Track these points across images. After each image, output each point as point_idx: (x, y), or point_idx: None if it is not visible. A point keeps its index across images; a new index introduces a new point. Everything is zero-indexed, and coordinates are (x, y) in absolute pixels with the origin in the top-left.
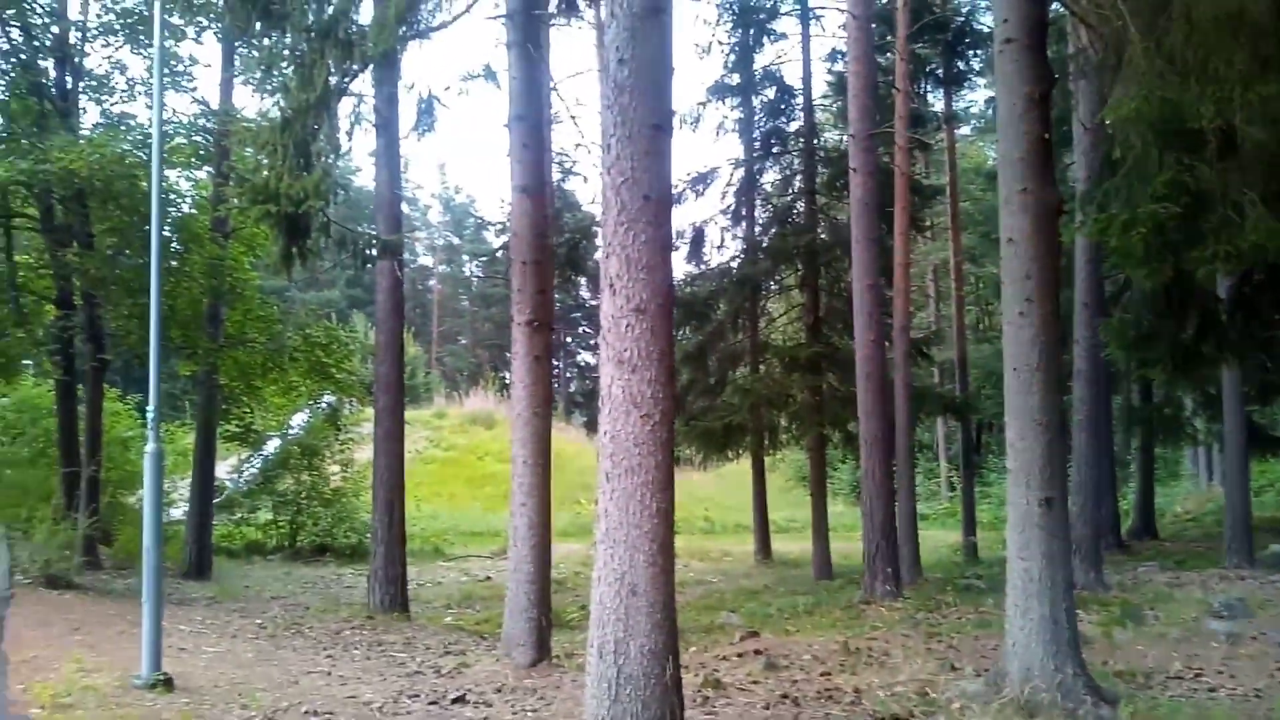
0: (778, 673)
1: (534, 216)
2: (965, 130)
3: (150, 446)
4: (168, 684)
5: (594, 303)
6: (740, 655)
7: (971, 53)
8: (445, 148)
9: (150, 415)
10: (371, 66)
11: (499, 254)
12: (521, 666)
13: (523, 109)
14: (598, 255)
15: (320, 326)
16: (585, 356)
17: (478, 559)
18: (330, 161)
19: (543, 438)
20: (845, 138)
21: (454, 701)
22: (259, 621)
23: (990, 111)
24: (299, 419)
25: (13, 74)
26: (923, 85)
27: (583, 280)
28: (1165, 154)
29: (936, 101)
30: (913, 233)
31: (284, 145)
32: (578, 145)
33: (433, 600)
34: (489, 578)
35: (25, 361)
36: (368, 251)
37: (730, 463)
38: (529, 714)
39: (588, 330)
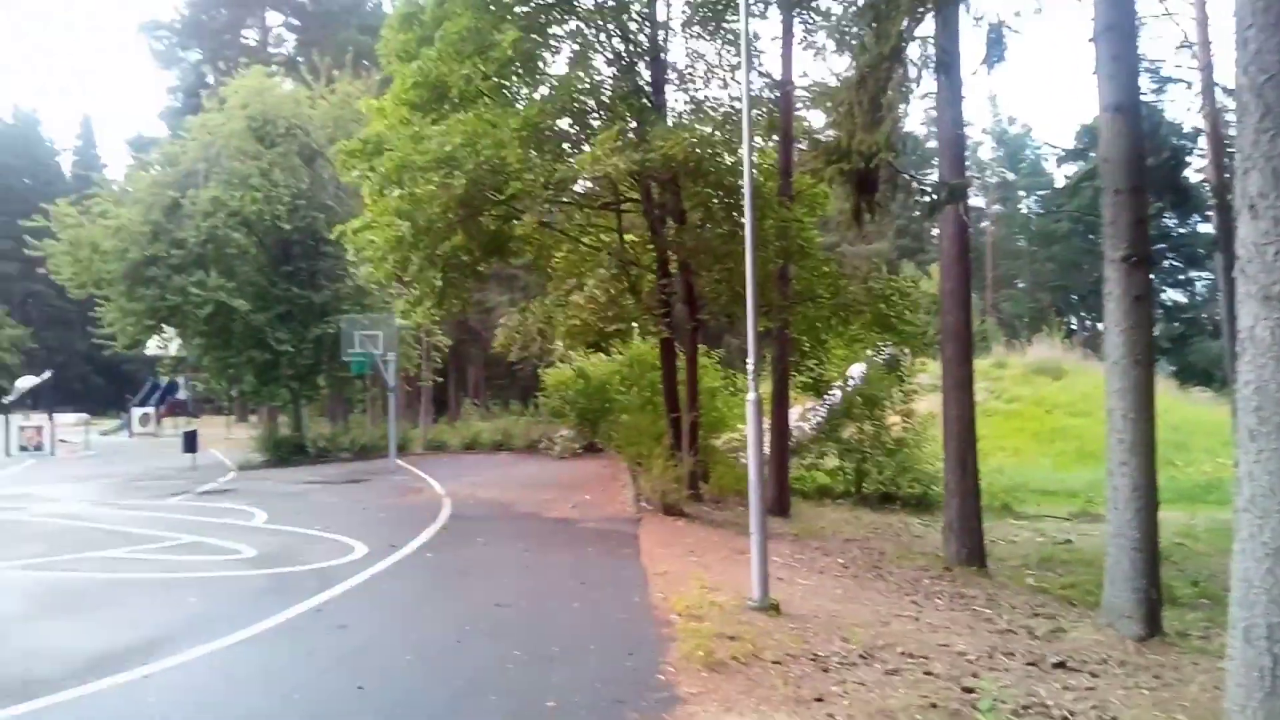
0: None
1: (1129, 137)
2: None
3: (751, 395)
4: (775, 609)
5: (1181, 230)
6: None
7: None
8: (995, 80)
9: (749, 367)
10: (937, 5)
11: (1088, 184)
12: (1129, 640)
13: (1113, 17)
14: (1195, 175)
15: (883, 279)
16: (1172, 294)
17: (1052, 519)
18: (900, 111)
19: (1145, 389)
20: None
21: (1055, 666)
22: (841, 561)
23: None
24: (856, 370)
25: (619, 78)
26: None
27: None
28: None
29: None
30: None
31: (858, 102)
32: (1179, 47)
33: (1007, 558)
34: (1069, 540)
35: (633, 324)
36: (933, 198)
37: None
38: (1144, 693)
39: (1174, 263)
